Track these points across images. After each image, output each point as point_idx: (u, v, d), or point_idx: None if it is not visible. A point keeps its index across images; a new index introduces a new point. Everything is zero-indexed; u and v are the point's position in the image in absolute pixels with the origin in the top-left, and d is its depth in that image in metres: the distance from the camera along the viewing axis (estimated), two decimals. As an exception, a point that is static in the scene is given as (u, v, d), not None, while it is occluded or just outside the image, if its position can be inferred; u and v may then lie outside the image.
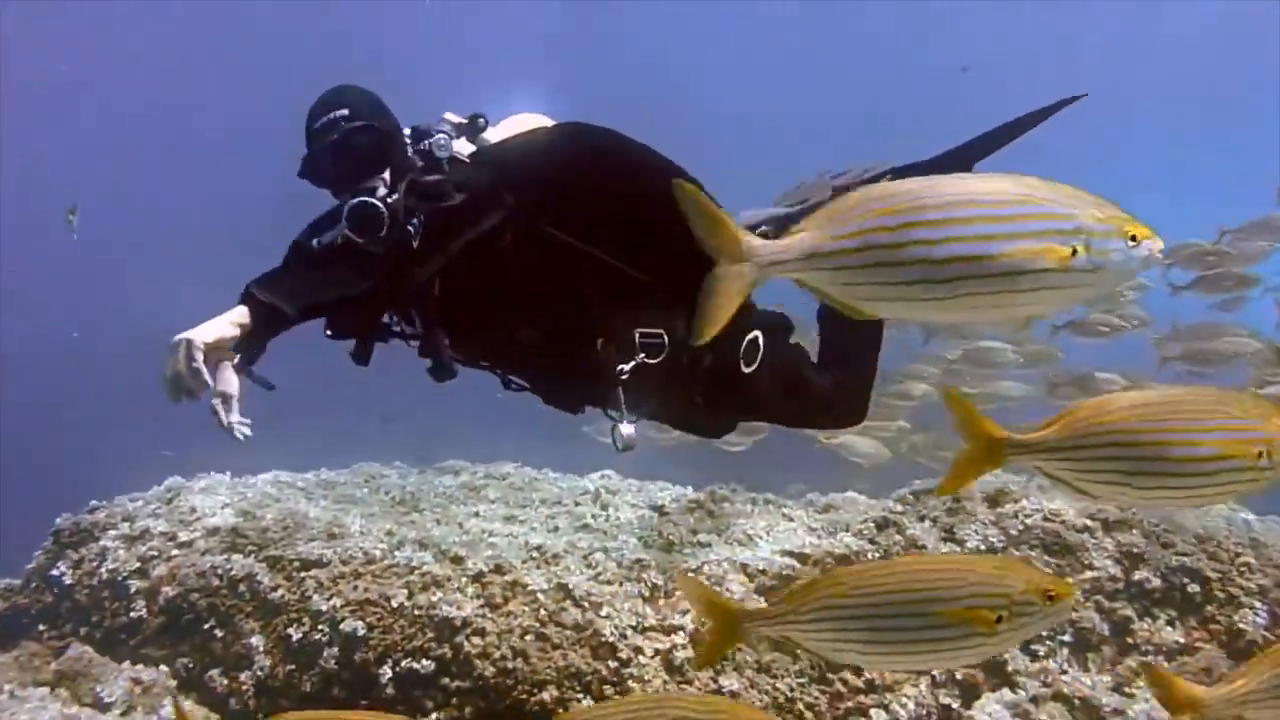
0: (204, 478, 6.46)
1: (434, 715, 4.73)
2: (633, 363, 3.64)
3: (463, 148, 3.60)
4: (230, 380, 3.37)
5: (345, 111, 3.45)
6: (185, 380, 2.98)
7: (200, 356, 2.99)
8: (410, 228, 3.36)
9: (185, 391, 3.00)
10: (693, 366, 3.79)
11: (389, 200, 3.37)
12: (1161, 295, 7.70)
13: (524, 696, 4.73)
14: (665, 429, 7.16)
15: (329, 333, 3.60)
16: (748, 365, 3.86)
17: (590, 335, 3.64)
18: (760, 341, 3.88)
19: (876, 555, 5.40)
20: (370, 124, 3.44)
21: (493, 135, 3.71)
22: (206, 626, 5.13)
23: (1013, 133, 3.99)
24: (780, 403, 4.12)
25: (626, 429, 3.71)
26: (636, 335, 3.66)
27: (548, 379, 3.83)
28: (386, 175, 3.45)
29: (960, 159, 4.00)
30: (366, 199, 3.36)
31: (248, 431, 3.29)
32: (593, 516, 6.47)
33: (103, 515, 5.81)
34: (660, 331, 3.70)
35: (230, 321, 3.11)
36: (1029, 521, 5.38)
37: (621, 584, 5.34)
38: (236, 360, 3.47)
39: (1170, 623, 4.89)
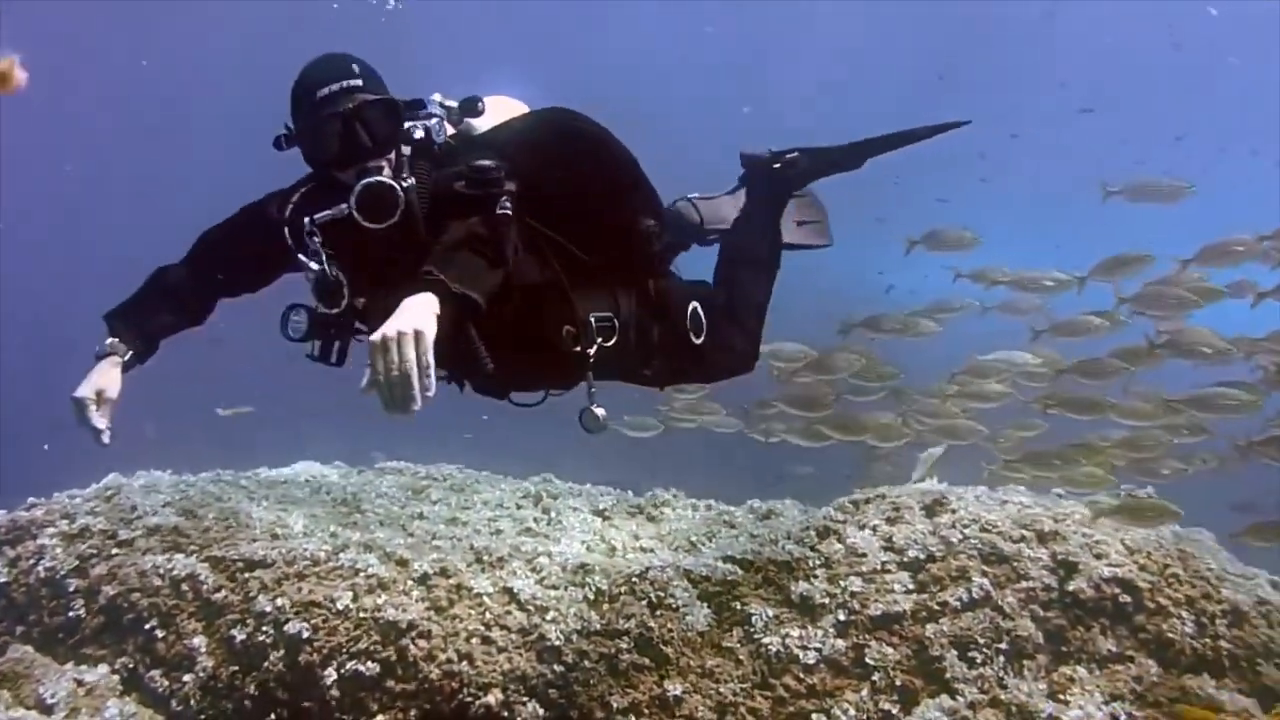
0: (143, 475, 6.39)
1: (378, 717, 4.73)
2: (594, 347, 3.71)
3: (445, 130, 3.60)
4: (115, 380, 3.39)
5: (358, 82, 3.37)
6: (419, 381, 2.68)
7: (431, 356, 2.71)
8: (505, 210, 3.28)
9: (423, 391, 2.69)
10: (641, 343, 3.87)
11: (404, 183, 3.33)
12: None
13: (469, 699, 4.76)
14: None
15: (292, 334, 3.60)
16: (697, 337, 4.03)
17: (559, 323, 3.68)
18: (700, 312, 4.00)
19: (818, 563, 5.47)
20: (389, 99, 3.39)
21: (475, 121, 3.72)
22: (148, 627, 5.07)
23: (906, 141, 4.77)
24: (714, 364, 4.34)
25: (599, 410, 3.78)
26: (593, 320, 3.74)
27: (518, 369, 3.81)
28: (392, 155, 3.39)
29: (859, 152, 4.81)
30: (382, 179, 3.30)
31: (105, 440, 3.29)
32: (535, 520, 6.50)
33: (40, 512, 5.72)
34: (610, 314, 3.79)
35: (433, 313, 2.82)
36: (966, 531, 5.47)
37: (566, 588, 5.38)
38: (127, 358, 3.49)
39: (1103, 631, 5.01)
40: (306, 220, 3.37)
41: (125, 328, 3.58)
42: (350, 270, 3.45)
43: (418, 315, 2.75)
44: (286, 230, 3.49)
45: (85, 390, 3.35)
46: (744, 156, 4.96)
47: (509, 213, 3.29)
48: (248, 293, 3.81)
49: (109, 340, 3.52)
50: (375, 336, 2.68)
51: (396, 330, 2.68)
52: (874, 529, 5.69)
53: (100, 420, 3.31)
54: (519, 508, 6.85)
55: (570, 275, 3.68)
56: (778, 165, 4.85)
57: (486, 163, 3.36)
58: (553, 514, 6.66)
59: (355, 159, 3.34)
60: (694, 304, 4.08)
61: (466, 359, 3.39)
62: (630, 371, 4.12)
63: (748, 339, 4.54)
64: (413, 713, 4.76)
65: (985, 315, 7.93)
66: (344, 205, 3.31)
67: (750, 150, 4.96)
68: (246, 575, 5.27)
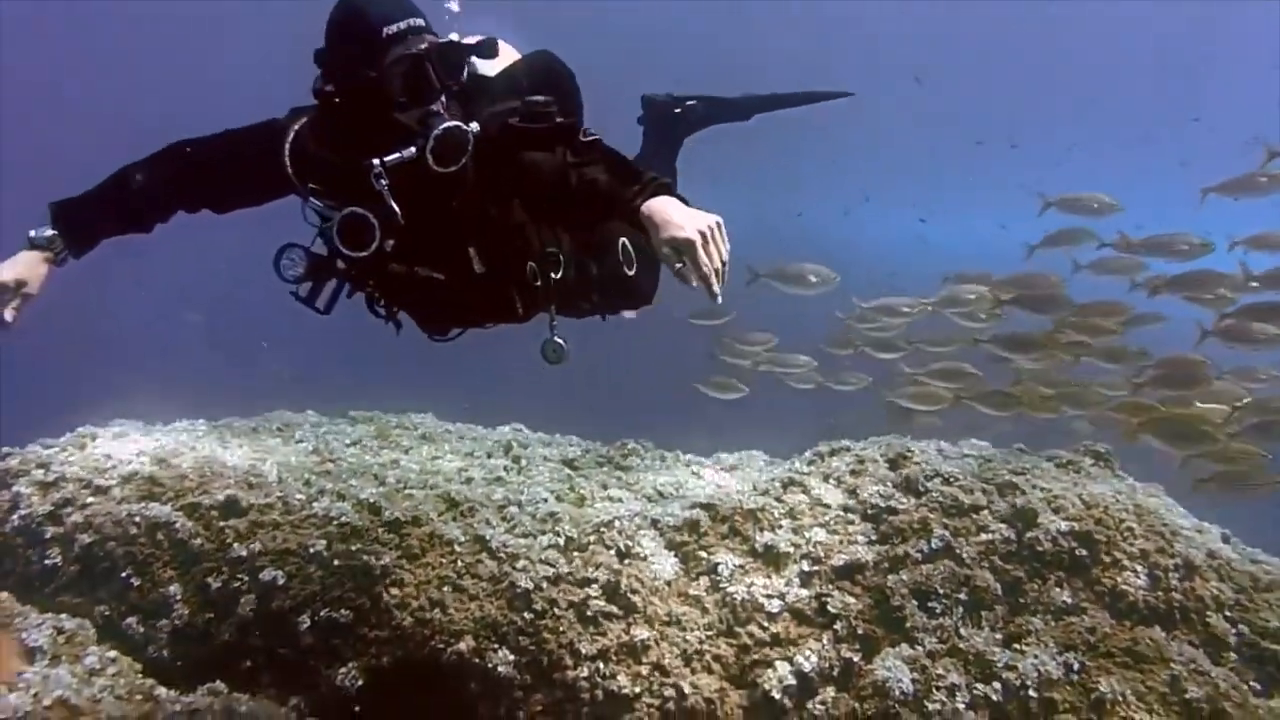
0: (117, 424, 6.40)
1: (352, 664, 4.82)
2: (553, 277, 3.84)
3: None
4: (40, 277, 3.35)
5: (422, 21, 3.38)
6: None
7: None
8: (595, 136, 3.41)
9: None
10: (581, 275, 3.98)
11: (472, 128, 3.37)
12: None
13: (441, 646, 4.85)
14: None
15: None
16: (630, 269, 4.12)
17: (524, 258, 3.79)
18: (629, 246, 4.12)
19: (783, 513, 5.58)
20: (455, 42, 3.41)
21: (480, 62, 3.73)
22: (124, 575, 5.11)
23: (794, 102, 5.36)
24: (637, 295, 4.45)
25: (560, 341, 3.89)
26: (546, 253, 3.84)
27: (484, 304, 3.93)
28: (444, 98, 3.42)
29: (750, 106, 5.34)
30: (459, 124, 3.33)
31: (7, 334, 3.25)
32: (505, 469, 6.57)
33: (15, 462, 5.70)
34: (555, 249, 3.87)
35: None
36: (929, 484, 5.59)
37: (536, 536, 5.46)
38: (61, 256, 3.44)
39: (1059, 584, 5.14)
40: (376, 163, 3.35)
41: (71, 227, 3.51)
42: (389, 212, 3.46)
43: (698, 211, 3.00)
44: (289, 165, 3.51)
45: (6, 275, 3.28)
46: (645, 100, 5.29)
47: (598, 137, 3.42)
48: (211, 211, 3.76)
49: (49, 233, 3.44)
50: (689, 235, 2.89)
51: (709, 224, 2.93)
52: (838, 481, 5.80)
53: (9, 312, 3.26)
54: (489, 457, 6.92)
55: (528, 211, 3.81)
56: (678, 110, 5.18)
57: (540, 98, 3.50)
58: (523, 463, 6.73)
59: (421, 101, 3.36)
60: (623, 238, 4.17)
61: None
62: (571, 305, 4.18)
63: (652, 276, 4.63)
64: (385, 659, 4.84)
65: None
66: (412, 149, 3.32)
67: (652, 94, 5.30)
68: (221, 523, 5.32)
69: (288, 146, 3.51)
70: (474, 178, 3.49)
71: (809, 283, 8.50)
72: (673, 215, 2.97)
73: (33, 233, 3.42)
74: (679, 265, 2.93)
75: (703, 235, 2.89)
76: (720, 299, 2.93)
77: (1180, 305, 7.61)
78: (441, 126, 3.31)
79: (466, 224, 3.61)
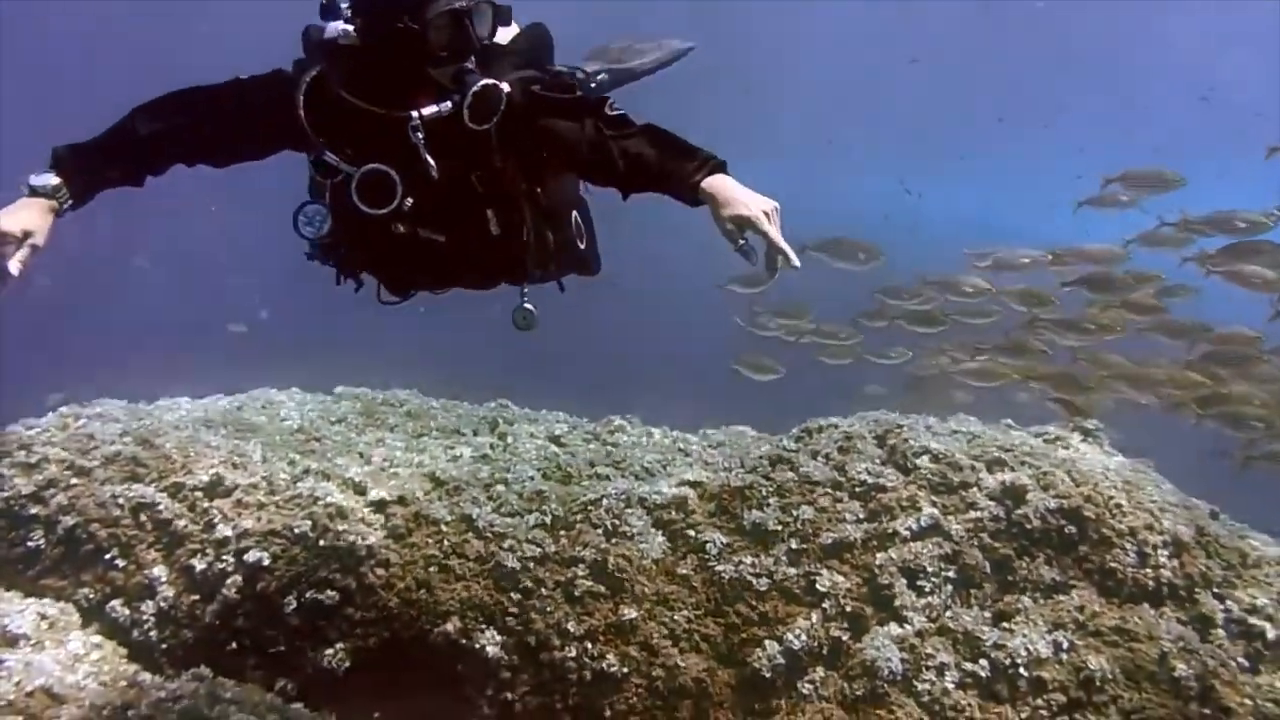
0: (100, 404, 6.34)
1: (339, 646, 4.80)
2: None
3: None
4: (45, 228, 3.17)
5: None
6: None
7: None
8: (620, 111, 3.46)
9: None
10: (540, 246, 3.94)
11: (502, 86, 3.38)
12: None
13: (428, 627, 4.84)
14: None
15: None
16: (582, 241, 4.19)
17: (509, 224, 3.77)
18: (579, 219, 4.19)
19: (771, 491, 5.55)
20: (491, 2, 3.36)
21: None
22: (108, 557, 5.07)
23: (668, 63, 5.63)
24: (585, 268, 4.41)
25: (530, 306, 4.03)
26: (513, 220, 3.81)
27: (464, 268, 3.92)
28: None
29: (644, 71, 5.53)
30: (495, 82, 3.35)
31: (11, 284, 3.07)
32: (491, 447, 6.53)
33: (-5, 443, 5.67)
34: (521, 217, 3.85)
35: None
36: (918, 461, 5.56)
37: (523, 516, 5.43)
38: (65, 205, 3.26)
39: (1048, 561, 5.13)
40: (415, 116, 3.34)
41: (76, 173, 3.31)
42: (422, 167, 3.44)
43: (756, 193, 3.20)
44: (303, 117, 3.42)
45: (11, 224, 3.07)
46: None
47: (624, 111, 3.47)
48: (210, 165, 3.64)
49: (54, 180, 3.25)
50: (754, 213, 3.09)
51: (770, 206, 3.13)
52: (826, 457, 5.76)
53: (15, 264, 3.05)
54: (475, 434, 6.88)
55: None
56: (593, 84, 5.14)
57: (564, 68, 3.72)
58: (509, 440, 6.69)
59: (456, 57, 3.34)
60: (574, 212, 4.19)
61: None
62: (529, 275, 4.16)
63: (596, 249, 4.59)
64: (372, 640, 4.83)
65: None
66: (449, 104, 3.34)
67: (559, 68, 5.34)
68: (206, 504, 5.28)
69: (302, 96, 3.44)
70: (496, 140, 3.48)
71: (857, 259, 8.55)
72: (736, 194, 3.14)
73: (34, 179, 3.23)
74: (741, 242, 3.11)
75: (765, 215, 3.07)
76: (798, 266, 3.12)
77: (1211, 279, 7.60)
78: (480, 83, 3.32)
79: (487, 185, 3.59)
